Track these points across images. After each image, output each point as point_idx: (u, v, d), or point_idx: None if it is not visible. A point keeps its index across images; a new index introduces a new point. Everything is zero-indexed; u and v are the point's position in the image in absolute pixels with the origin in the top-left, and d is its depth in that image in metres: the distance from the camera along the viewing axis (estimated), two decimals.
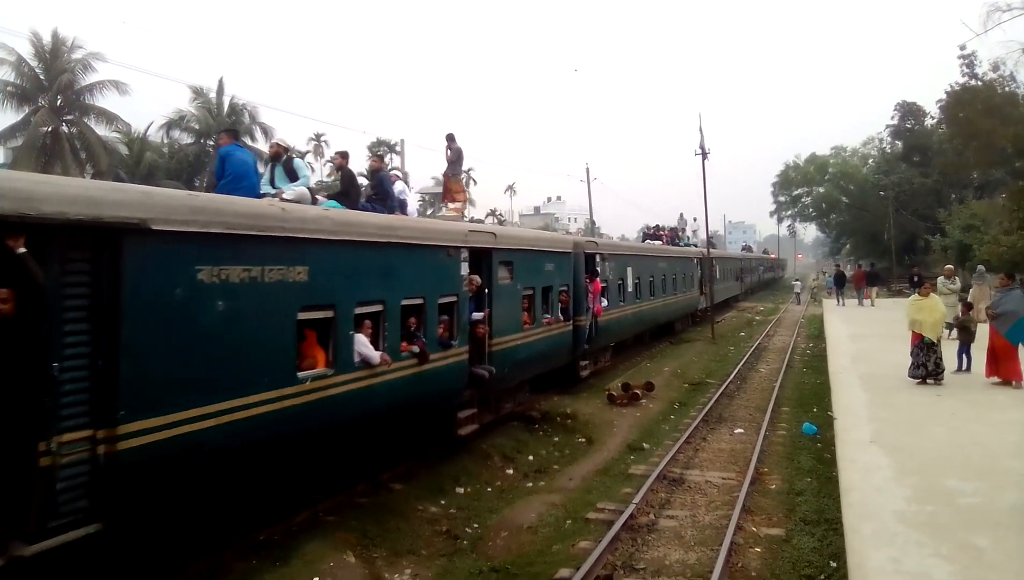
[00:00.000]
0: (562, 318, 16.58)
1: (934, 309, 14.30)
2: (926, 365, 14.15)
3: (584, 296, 18.00)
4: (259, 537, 8.82)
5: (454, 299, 11.75)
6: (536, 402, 16.52)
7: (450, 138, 16.19)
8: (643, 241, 35.25)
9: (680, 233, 40.19)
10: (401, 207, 12.69)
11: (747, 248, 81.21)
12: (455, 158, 16.22)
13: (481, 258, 12.69)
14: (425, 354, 10.70)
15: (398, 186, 13.04)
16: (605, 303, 19.71)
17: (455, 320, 11.81)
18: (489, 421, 13.77)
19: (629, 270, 22.68)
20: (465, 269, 11.96)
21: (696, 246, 40.78)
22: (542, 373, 16.37)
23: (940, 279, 22.33)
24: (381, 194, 12.23)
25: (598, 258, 19.61)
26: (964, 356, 15.25)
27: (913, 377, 14.28)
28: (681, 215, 43.87)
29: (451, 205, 16.54)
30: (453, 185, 16.57)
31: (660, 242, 33.90)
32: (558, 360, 17.04)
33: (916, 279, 29.87)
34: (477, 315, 12.56)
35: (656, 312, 26.92)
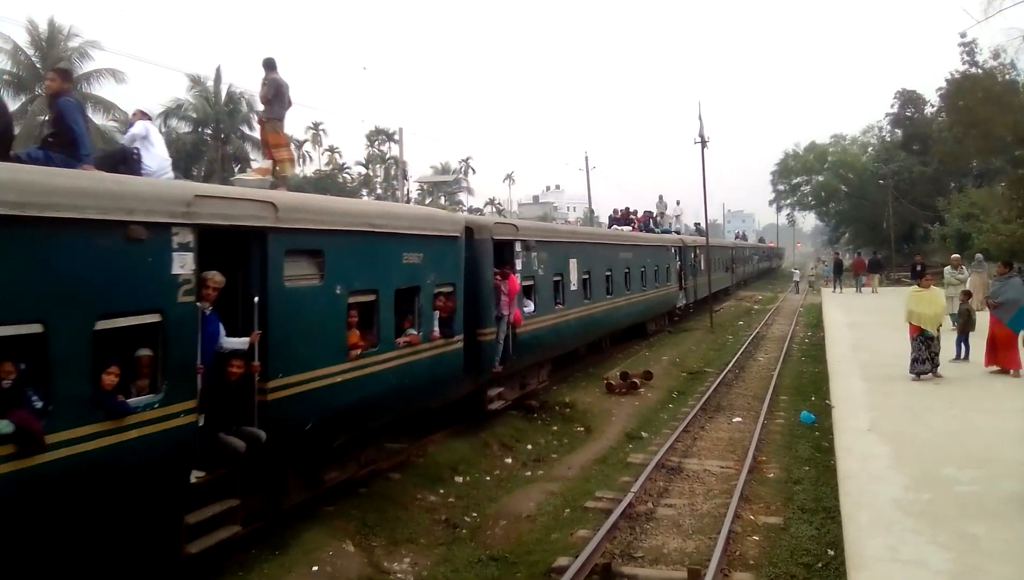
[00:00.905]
0: (439, 334, 11.23)
1: (933, 301, 13.97)
2: (927, 360, 13.75)
3: (492, 299, 13.28)
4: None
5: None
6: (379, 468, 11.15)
7: (268, 65, 11.03)
8: (609, 226, 30.37)
9: (658, 217, 34.69)
10: (131, 162, 8.31)
11: (742, 236, 75.09)
12: (273, 94, 10.99)
13: (249, 245, 7.95)
14: None
15: (138, 128, 8.67)
16: (531, 308, 14.92)
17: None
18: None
19: (573, 263, 17.84)
20: (184, 263, 6.94)
21: (679, 233, 36.17)
22: (407, 415, 11.57)
23: (947, 269, 21.73)
24: (65, 134, 7.53)
25: (518, 246, 14.60)
26: (963, 345, 15.20)
27: (914, 373, 13.79)
28: (660, 197, 36.31)
29: (258, 164, 11.92)
30: (270, 135, 11.26)
31: (630, 228, 29.00)
32: (437, 395, 11.93)
33: (919, 269, 28.34)
34: (231, 343, 7.67)
35: (616, 314, 21.58)
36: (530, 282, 15.20)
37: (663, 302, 28.31)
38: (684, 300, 31.62)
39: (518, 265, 14.46)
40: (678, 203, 40.16)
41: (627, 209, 31.86)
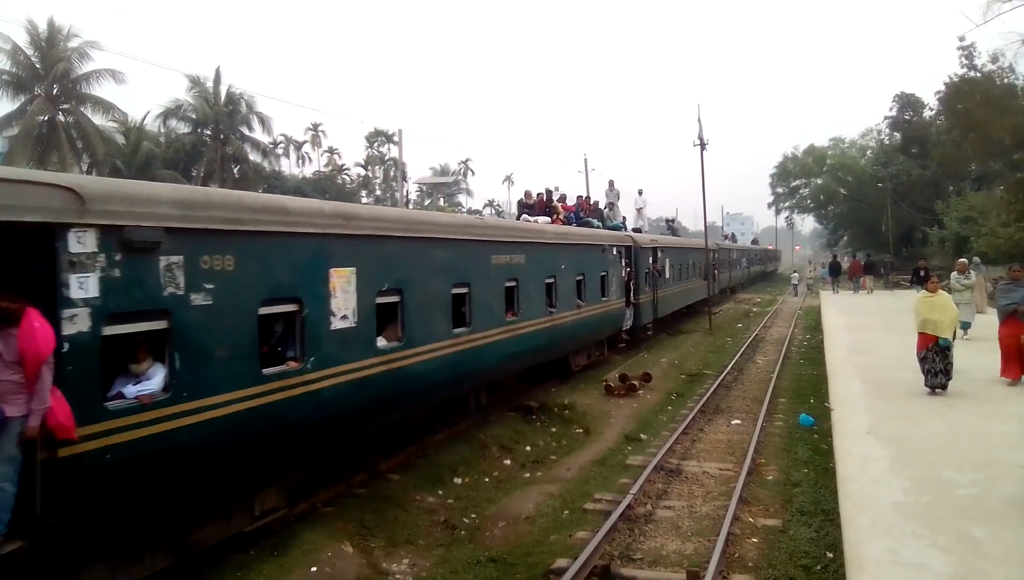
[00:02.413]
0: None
1: (947, 306, 12.96)
2: (943, 371, 12.58)
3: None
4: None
5: None
6: None
7: None
8: (519, 217, 21.55)
9: (607, 210, 26.46)
10: None
11: (730, 237, 66.38)
12: None
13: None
14: None
15: None
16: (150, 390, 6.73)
17: None
18: None
19: (350, 279, 9.21)
20: None
21: (640, 230, 29.44)
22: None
23: (953, 275, 20.57)
24: None
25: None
26: None
27: (929, 386, 12.67)
28: (611, 183, 28.55)
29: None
30: None
31: (549, 220, 20.34)
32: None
33: (923, 274, 25.97)
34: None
35: (490, 351, 13.12)
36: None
37: (597, 325, 19.83)
38: (632, 321, 23.07)
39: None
40: (640, 193, 32.21)
41: (547, 193, 22.19)
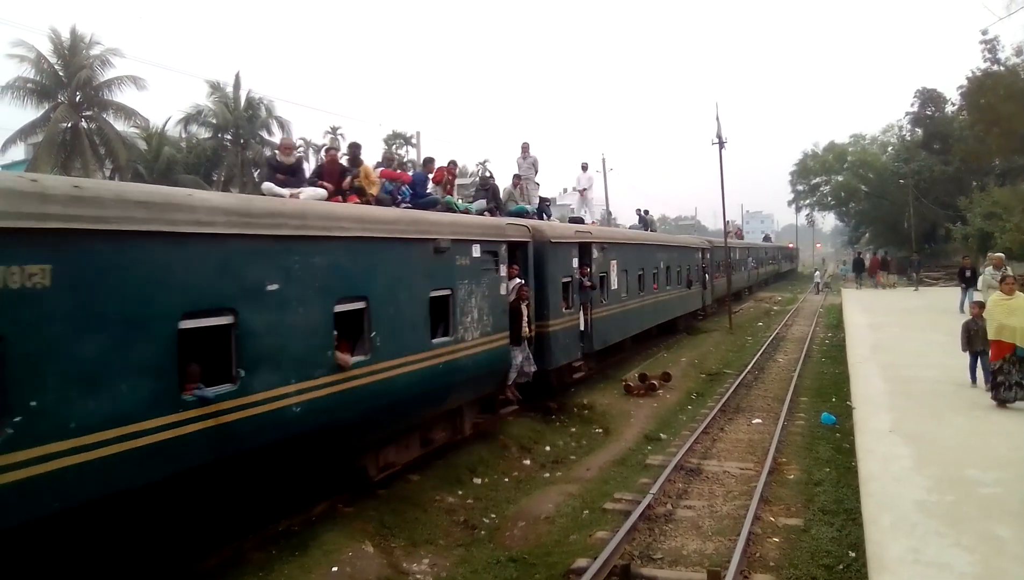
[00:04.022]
0: None
1: None
2: (1019, 384, 11.21)
3: None
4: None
5: None
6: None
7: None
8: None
9: (516, 190, 18.29)
10: None
11: (735, 233, 51.35)
12: None
13: None
14: None
15: None
16: None
17: None
18: None
19: None
20: None
21: (583, 220, 21.33)
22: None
23: (988, 270, 19.59)
24: None
25: None
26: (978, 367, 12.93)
27: (998, 400, 11.42)
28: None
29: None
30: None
31: (319, 192, 10.56)
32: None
33: (968, 274, 23.96)
34: None
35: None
36: None
37: (411, 394, 10.27)
38: (533, 363, 13.97)
39: None
40: (584, 168, 23.76)
41: (353, 149, 12.52)
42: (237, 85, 47.92)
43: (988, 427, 10.40)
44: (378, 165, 14.43)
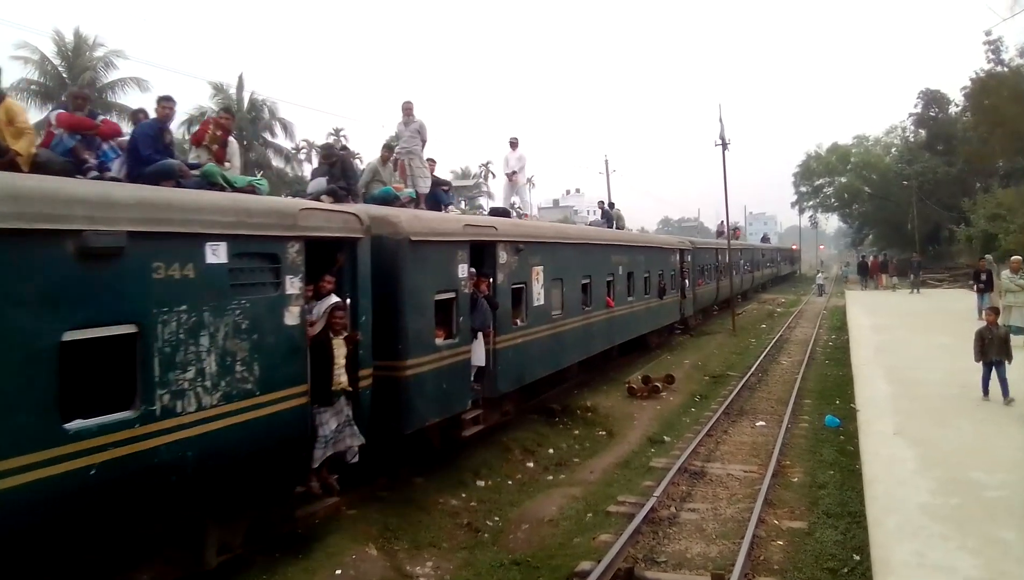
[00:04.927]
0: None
1: None
2: None
3: None
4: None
5: None
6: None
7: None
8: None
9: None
10: None
11: (718, 233, 46.21)
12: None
13: None
14: None
15: None
16: None
17: None
18: None
19: None
20: None
21: (518, 209, 17.88)
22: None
23: (1005, 274, 19.14)
24: None
25: None
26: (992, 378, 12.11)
27: None
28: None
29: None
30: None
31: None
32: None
33: (984, 277, 22.60)
34: None
35: None
36: None
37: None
38: (338, 451, 8.78)
39: None
40: (514, 145, 17.98)
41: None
42: (240, 87, 48.06)
43: (993, 430, 10.38)
44: (58, 107, 10.44)
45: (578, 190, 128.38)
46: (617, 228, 24.26)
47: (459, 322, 11.10)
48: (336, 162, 11.83)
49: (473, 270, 11.58)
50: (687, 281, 27.51)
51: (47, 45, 38.20)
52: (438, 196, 14.37)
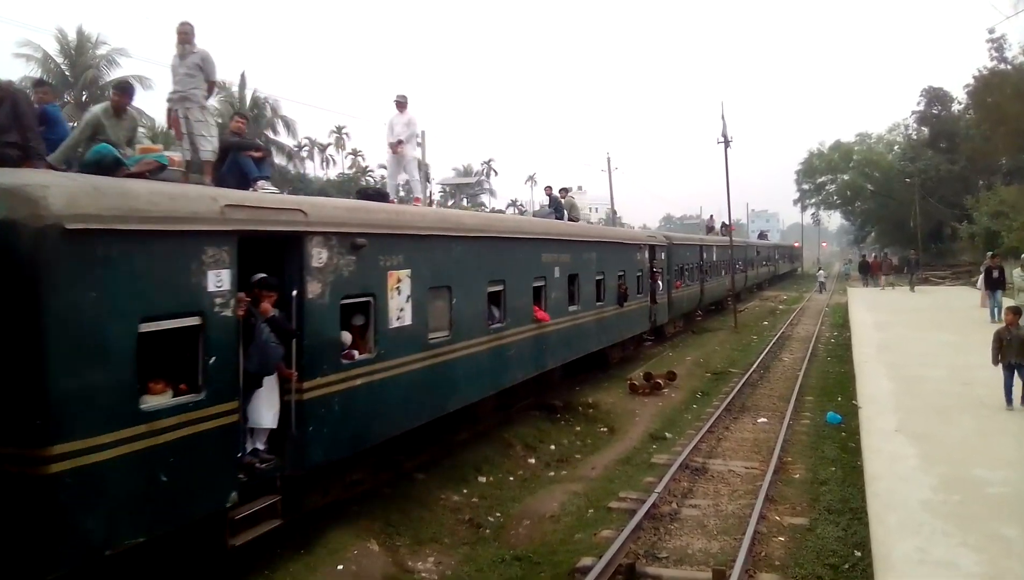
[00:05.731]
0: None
1: None
2: None
3: None
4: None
5: None
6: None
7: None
8: None
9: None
10: None
11: (716, 229, 41.53)
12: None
13: None
14: None
15: None
16: None
17: None
18: None
19: None
20: None
21: (367, 195, 12.59)
22: None
23: (1016, 272, 18.95)
24: None
25: None
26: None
27: None
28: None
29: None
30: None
31: None
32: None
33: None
34: None
35: None
36: None
37: None
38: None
39: None
40: (400, 106, 13.38)
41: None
42: (243, 84, 48.16)
43: (995, 427, 10.37)
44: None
45: (580, 188, 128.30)
46: (570, 219, 19.58)
47: (208, 366, 6.79)
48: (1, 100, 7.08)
49: (264, 277, 7.65)
50: (660, 283, 23.73)
51: (50, 43, 38.34)
52: (242, 165, 9.60)
